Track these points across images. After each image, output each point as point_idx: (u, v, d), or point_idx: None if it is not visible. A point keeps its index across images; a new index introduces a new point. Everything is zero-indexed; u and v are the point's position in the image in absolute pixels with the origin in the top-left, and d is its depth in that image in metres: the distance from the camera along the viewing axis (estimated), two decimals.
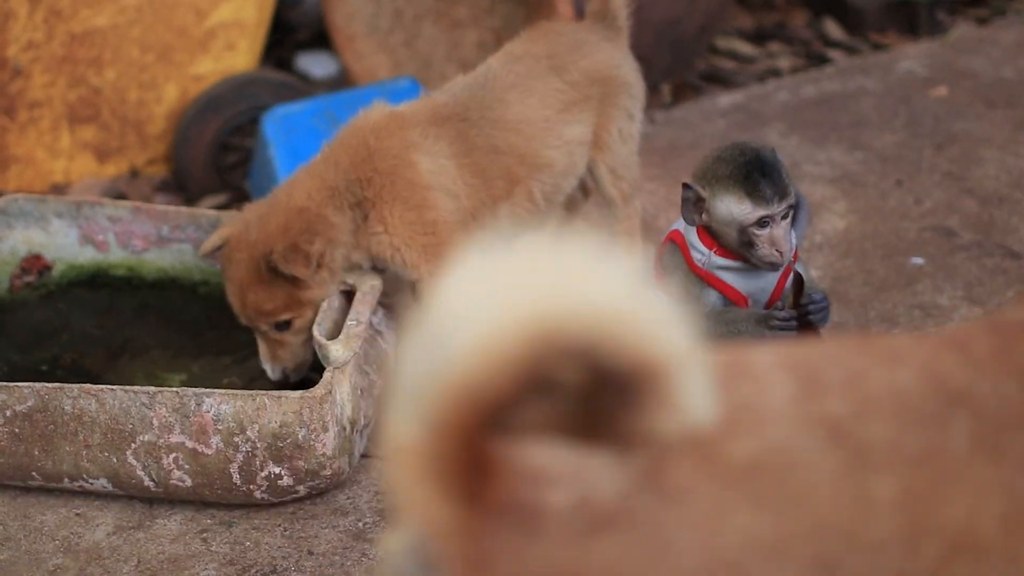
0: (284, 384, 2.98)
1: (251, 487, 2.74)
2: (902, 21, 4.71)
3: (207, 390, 2.70)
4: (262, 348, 3.02)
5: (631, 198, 3.32)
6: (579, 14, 3.55)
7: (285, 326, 2.97)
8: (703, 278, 2.69)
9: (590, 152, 3.23)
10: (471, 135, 3.03)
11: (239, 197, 3.85)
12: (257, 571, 2.70)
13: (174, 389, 2.70)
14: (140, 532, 2.79)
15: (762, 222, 2.62)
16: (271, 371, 3.02)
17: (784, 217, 2.64)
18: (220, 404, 2.69)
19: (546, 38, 3.22)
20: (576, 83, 3.15)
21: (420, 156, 2.98)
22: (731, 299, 2.68)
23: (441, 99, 3.10)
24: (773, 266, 2.66)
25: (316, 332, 2.80)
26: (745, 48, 4.63)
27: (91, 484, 2.79)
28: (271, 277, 2.93)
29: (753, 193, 2.61)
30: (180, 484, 2.76)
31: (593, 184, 3.36)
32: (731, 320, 2.65)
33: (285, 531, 2.79)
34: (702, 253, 2.70)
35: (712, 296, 2.69)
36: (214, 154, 3.86)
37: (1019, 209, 3.71)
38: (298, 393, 2.69)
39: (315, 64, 4.39)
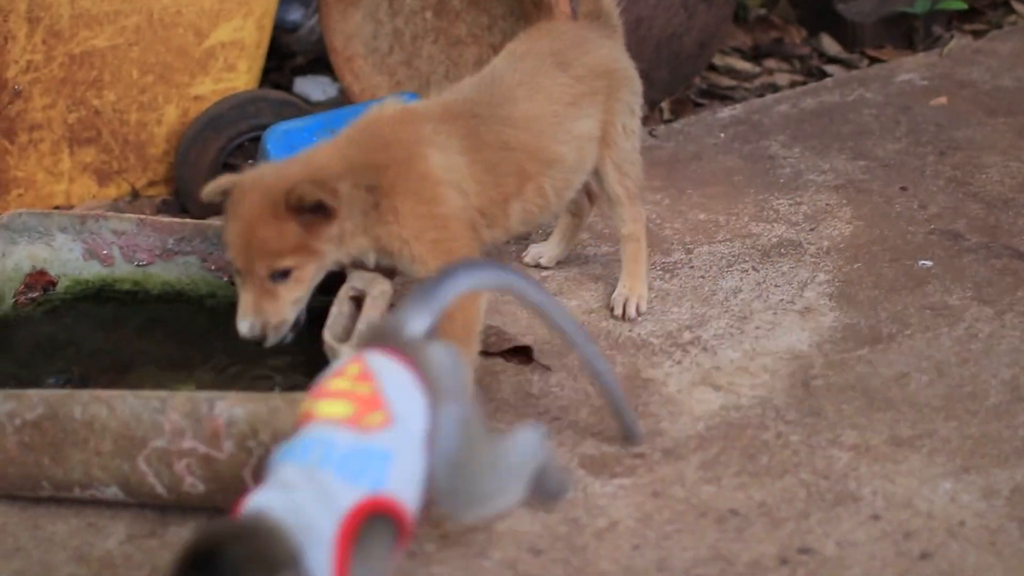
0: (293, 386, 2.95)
1: None
2: (899, 36, 4.72)
3: (219, 393, 2.66)
4: (245, 301, 2.89)
5: (636, 198, 3.32)
6: (574, 15, 3.57)
7: (282, 276, 2.87)
8: None
9: (598, 149, 3.24)
10: (482, 132, 3.02)
11: None
12: None
13: (186, 393, 2.67)
14: (153, 540, 2.75)
15: None
16: (248, 327, 2.89)
17: None
18: (232, 408, 2.66)
19: (548, 36, 3.23)
20: (582, 78, 3.15)
21: (433, 151, 2.96)
22: None
23: (451, 97, 3.09)
24: None
25: (327, 336, 2.77)
26: (743, 65, 4.64)
27: (102, 492, 2.76)
28: (286, 216, 2.82)
29: None
30: (192, 490, 2.73)
31: (598, 187, 3.36)
32: None
33: None
34: None
35: None
36: (215, 174, 3.83)
37: None
38: None
39: (313, 87, 4.39)
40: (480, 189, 3.01)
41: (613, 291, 3.42)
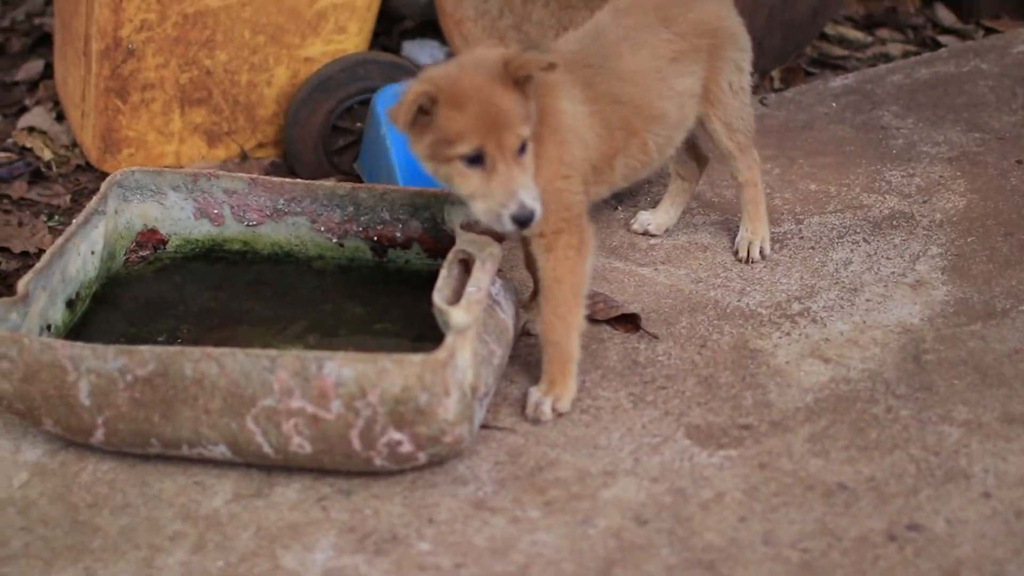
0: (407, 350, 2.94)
1: (371, 453, 2.71)
2: (1016, 6, 4.63)
3: (328, 353, 2.66)
4: (512, 178, 2.75)
5: (748, 148, 3.33)
6: None
7: (522, 150, 2.78)
8: None
9: (702, 107, 3.22)
10: (596, 83, 2.99)
11: (349, 180, 3.83)
12: (377, 538, 2.66)
13: (295, 352, 2.67)
14: (259, 500, 2.77)
15: None
16: (521, 203, 2.74)
17: None
18: (341, 368, 2.66)
19: None
20: (685, 34, 3.13)
21: (563, 96, 2.93)
22: None
23: (565, 47, 3.06)
24: None
25: (436, 298, 2.76)
26: (855, 35, 4.57)
27: (210, 451, 2.77)
28: (512, 86, 2.75)
29: None
30: (299, 451, 2.73)
31: (708, 146, 3.34)
32: None
33: (405, 499, 2.75)
34: None
35: None
36: (324, 137, 3.85)
37: None
38: (420, 356, 2.65)
39: (421, 51, 4.38)
40: (598, 142, 2.99)
41: (721, 259, 3.39)
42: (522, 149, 2.78)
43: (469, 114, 2.74)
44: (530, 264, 3.17)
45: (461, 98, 2.75)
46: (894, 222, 3.53)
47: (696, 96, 3.19)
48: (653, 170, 3.20)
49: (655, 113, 3.09)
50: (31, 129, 4.07)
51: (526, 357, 3.12)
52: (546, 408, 2.95)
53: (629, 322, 3.18)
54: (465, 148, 2.76)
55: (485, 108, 2.74)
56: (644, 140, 3.08)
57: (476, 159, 2.76)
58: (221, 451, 2.77)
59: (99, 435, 2.80)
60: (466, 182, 2.78)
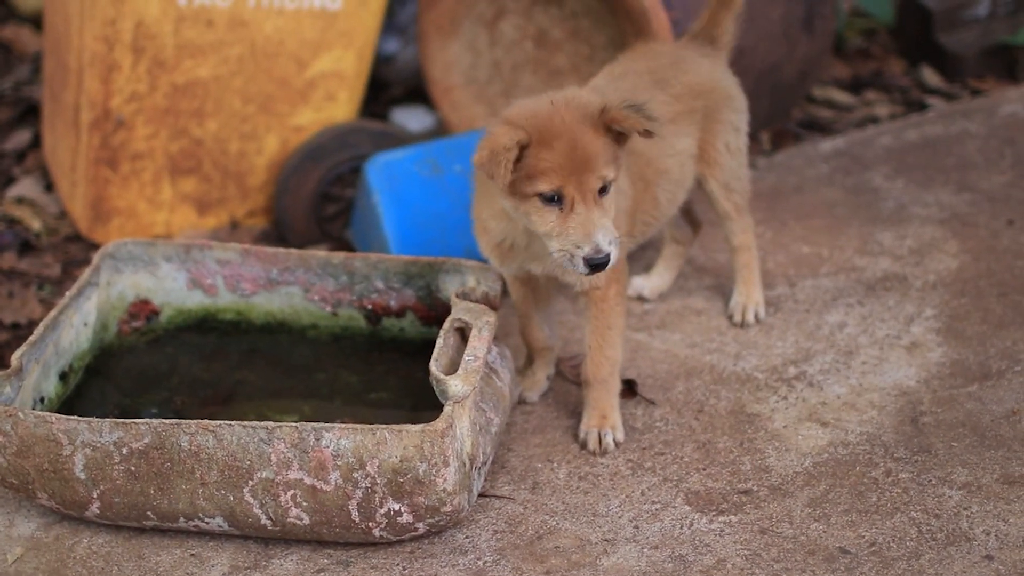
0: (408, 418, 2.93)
1: (370, 524, 2.69)
2: (1001, 67, 4.65)
3: (326, 424, 2.65)
4: (588, 219, 2.74)
5: (744, 210, 3.34)
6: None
7: (604, 191, 2.78)
8: None
9: (699, 168, 3.23)
10: None
11: (340, 247, 3.82)
12: None
13: (292, 424, 2.66)
14: (256, 572, 2.74)
15: None
16: (609, 240, 2.75)
17: None
18: (340, 439, 2.64)
19: (645, 56, 3.23)
20: (680, 96, 3.14)
21: None
22: None
23: None
24: None
25: (434, 367, 2.75)
26: (842, 97, 4.59)
27: (207, 523, 2.75)
28: (603, 132, 2.77)
29: None
30: (297, 522, 2.71)
31: (702, 209, 3.35)
32: None
33: (404, 570, 2.73)
34: None
35: None
36: (315, 204, 3.85)
37: None
38: (419, 427, 2.64)
39: (410, 118, 4.38)
40: (631, 192, 3.01)
41: (716, 323, 3.39)
42: (604, 190, 2.78)
43: (556, 152, 2.74)
44: (527, 332, 3.16)
45: (550, 138, 2.75)
46: (887, 284, 3.53)
47: (693, 156, 3.20)
48: (657, 230, 3.21)
49: (663, 167, 3.10)
50: (20, 199, 4.06)
51: (523, 425, 3.11)
52: (610, 439, 3.01)
53: (626, 388, 3.17)
54: (545, 186, 2.75)
55: (571, 148, 2.74)
56: (655, 194, 3.09)
57: (554, 198, 2.76)
58: (218, 523, 2.75)
59: (94, 508, 2.77)
60: (542, 220, 2.78)
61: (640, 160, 3.04)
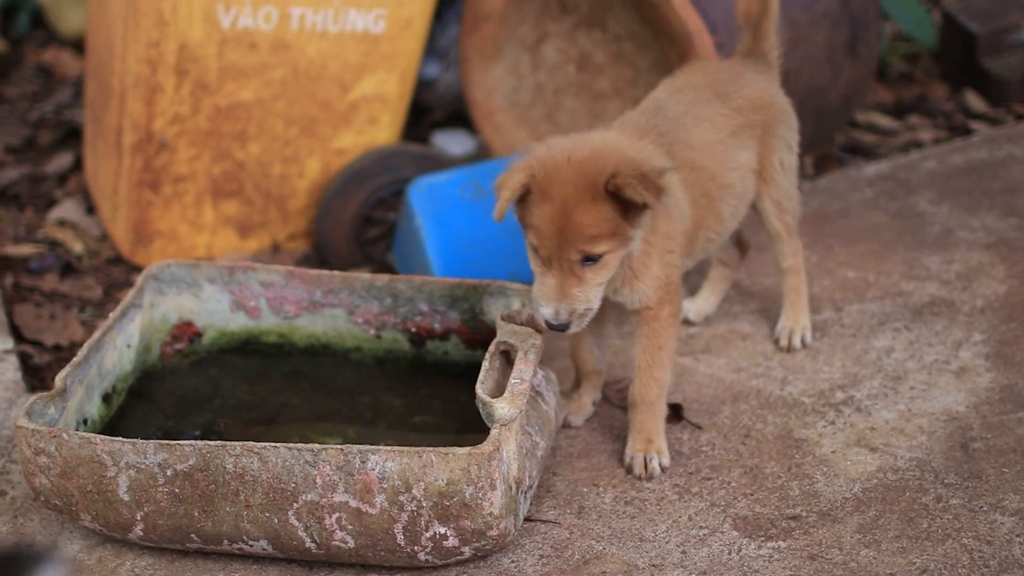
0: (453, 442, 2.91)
1: (415, 548, 2.67)
2: None
3: (372, 447, 2.63)
4: (549, 286, 2.77)
5: (795, 232, 3.31)
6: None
7: (592, 260, 2.76)
8: None
9: (756, 184, 3.20)
10: (675, 151, 2.97)
11: (382, 271, 3.81)
12: None
13: (338, 446, 2.63)
14: None
15: None
16: (553, 312, 2.76)
17: None
18: (385, 461, 2.62)
19: (703, 71, 3.21)
20: (741, 109, 3.12)
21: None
22: None
23: (632, 120, 3.04)
24: None
25: (480, 390, 2.73)
26: (885, 122, 4.56)
27: (251, 546, 2.73)
28: (605, 200, 2.72)
29: None
30: (342, 545, 2.69)
31: (749, 233, 3.32)
32: None
33: None
34: None
35: None
36: (357, 228, 3.83)
37: None
38: (465, 450, 2.61)
39: (451, 142, 4.37)
40: (692, 210, 2.98)
41: (761, 348, 3.36)
42: (592, 259, 2.76)
43: (545, 214, 2.73)
44: (577, 354, 3.13)
45: (546, 194, 2.73)
46: (935, 309, 3.50)
47: (753, 171, 3.17)
48: (718, 245, 3.19)
49: (726, 181, 3.08)
50: (62, 222, 4.06)
51: (568, 449, 3.08)
52: (656, 464, 2.98)
53: (672, 412, 3.14)
54: (531, 238, 2.78)
55: (560, 215, 2.72)
56: (719, 210, 3.07)
57: (538, 250, 2.78)
58: (262, 546, 2.73)
59: (138, 530, 2.76)
60: (531, 260, 2.82)
61: (704, 175, 3.02)
